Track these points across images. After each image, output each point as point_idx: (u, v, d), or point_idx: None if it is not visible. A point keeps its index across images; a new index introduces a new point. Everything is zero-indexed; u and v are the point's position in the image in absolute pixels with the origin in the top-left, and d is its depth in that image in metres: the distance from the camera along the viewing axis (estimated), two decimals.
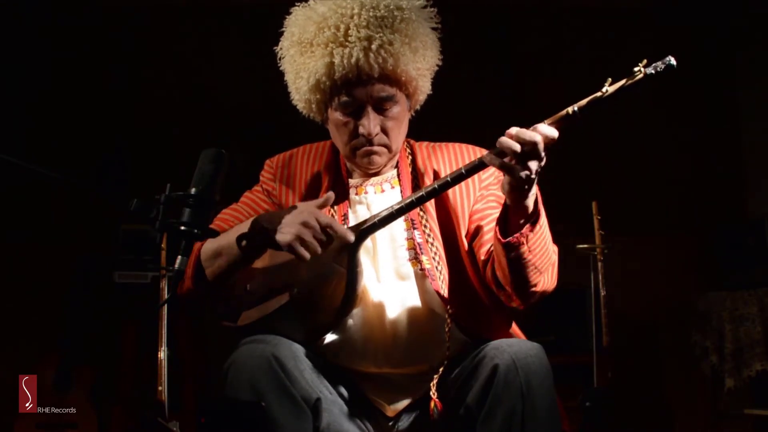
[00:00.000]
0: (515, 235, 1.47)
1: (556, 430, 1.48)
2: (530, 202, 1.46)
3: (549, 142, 1.41)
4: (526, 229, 1.47)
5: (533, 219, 1.48)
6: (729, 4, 4.23)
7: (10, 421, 3.19)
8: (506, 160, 1.40)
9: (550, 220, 1.55)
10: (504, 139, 1.40)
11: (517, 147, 1.38)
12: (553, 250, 1.56)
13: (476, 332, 1.65)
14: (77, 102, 4.13)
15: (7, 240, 3.90)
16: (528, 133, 1.39)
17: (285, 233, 1.47)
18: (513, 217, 1.49)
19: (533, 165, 1.40)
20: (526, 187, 1.43)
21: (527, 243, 1.47)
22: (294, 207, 1.54)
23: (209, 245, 1.61)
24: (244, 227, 1.56)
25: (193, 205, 1.34)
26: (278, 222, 1.49)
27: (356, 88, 1.63)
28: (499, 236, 1.48)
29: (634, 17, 4.26)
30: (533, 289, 1.54)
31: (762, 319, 3.44)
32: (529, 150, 1.38)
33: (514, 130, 1.40)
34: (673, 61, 1.37)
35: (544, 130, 1.40)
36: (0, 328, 3.81)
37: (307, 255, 1.45)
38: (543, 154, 1.40)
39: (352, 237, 1.50)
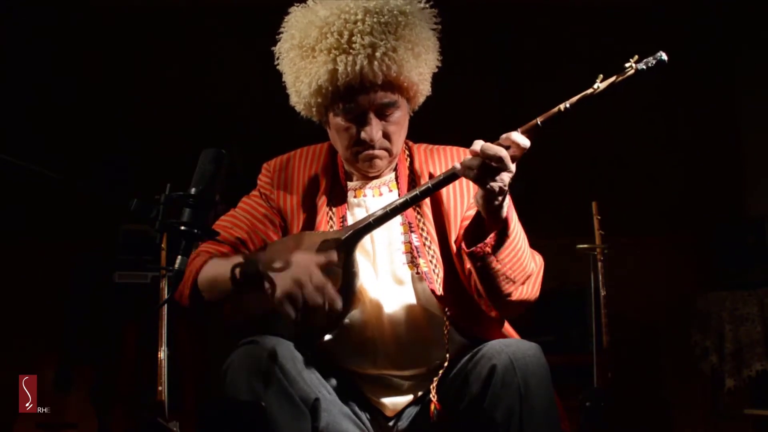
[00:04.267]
0: (478, 246, 1.48)
1: (554, 429, 1.48)
2: (502, 213, 1.47)
3: (520, 153, 1.42)
4: (490, 239, 1.48)
5: (500, 230, 1.48)
6: (729, 4, 4.23)
7: (10, 421, 3.19)
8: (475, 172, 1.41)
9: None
10: (470, 153, 1.41)
11: (478, 162, 1.39)
12: (531, 262, 1.56)
13: (473, 333, 1.65)
14: (77, 102, 4.13)
15: (7, 239, 3.90)
16: (494, 148, 1.39)
17: (277, 286, 1.44)
18: (486, 228, 1.50)
19: (504, 177, 1.41)
20: (499, 198, 1.43)
21: (494, 254, 1.48)
22: (295, 251, 1.50)
23: (207, 272, 1.60)
24: (241, 262, 1.54)
25: (193, 205, 1.34)
26: (275, 268, 1.46)
27: (359, 95, 1.62)
28: (463, 245, 1.50)
29: (634, 17, 4.26)
30: (507, 298, 1.54)
31: (762, 319, 3.44)
32: (497, 163, 1.39)
33: (478, 144, 1.41)
34: (665, 57, 1.39)
35: (517, 139, 1.41)
36: (0, 328, 3.81)
37: (292, 314, 1.42)
38: (512, 166, 1.41)
39: (339, 305, 1.46)
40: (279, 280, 1.44)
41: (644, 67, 1.40)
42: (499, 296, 1.54)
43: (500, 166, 1.39)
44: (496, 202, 1.44)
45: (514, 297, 1.54)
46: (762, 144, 4.21)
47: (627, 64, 1.41)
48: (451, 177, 1.52)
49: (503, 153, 1.39)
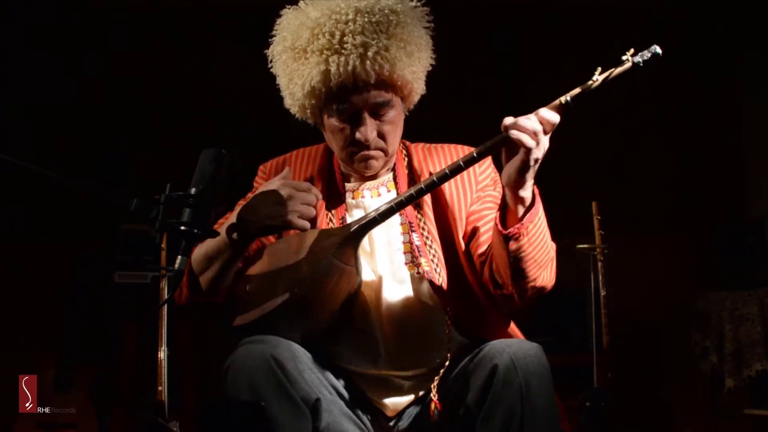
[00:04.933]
0: (516, 226, 1.47)
1: (555, 430, 1.48)
2: (528, 194, 1.47)
3: (550, 129, 1.43)
4: (526, 220, 1.47)
5: (532, 210, 1.48)
6: (729, 4, 4.23)
7: (10, 421, 3.19)
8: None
9: (550, 219, 1.55)
10: (523, 122, 1.42)
11: (539, 127, 1.41)
12: (551, 246, 1.56)
13: (475, 333, 1.65)
14: (77, 102, 4.13)
15: (7, 240, 3.90)
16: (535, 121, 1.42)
17: (277, 218, 1.49)
18: (512, 209, 1.49)
19: (541, 149, 1.42)
20: (528, 176, 1.44)
21: (527, 234, 1.47)
22: (263, 193, 1.53)
23: (198, 251, 1.60)
24: (230, 223, 1.56)
25: (193, 205, 1.34)
26: (261, 210, 1.50)
27: (352, 95, 1.62)
28: (500, 227, 1.48)
29: (635, 18, 4.26)
30: (532, 284, 1.53)
31: (762, 319, 3.44)
32: (550, 128, 1.42)
33: (522, 118, 1.43)
34: (659, 50, 1.42)
35: (546, 115, 1.43)
36: (0, 328, 3.81)
37: (308, 225, 1.48)
38: (547, 140, 1.43)
39: (319, 194, 1.55)
40: (274, 210, 1.49)
41: (640, 60, 1.43)
42: (525, 282, 1.52)
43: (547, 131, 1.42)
44: (525, 181, 1.44)
45: (538, 282, 1.54)
46: (763, 144, 4.21)
47: (623, 57, 1.44)
48: (455, 170, 1.51)
49: (539, 128, 1.41)
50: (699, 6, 4.28)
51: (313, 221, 1.67)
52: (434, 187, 1.55)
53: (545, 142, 1.42)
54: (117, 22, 4.20)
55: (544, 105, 1.46)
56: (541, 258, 1.52)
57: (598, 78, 1.44)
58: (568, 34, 4.32)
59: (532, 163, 1.42)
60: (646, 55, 1.43)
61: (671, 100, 4.31)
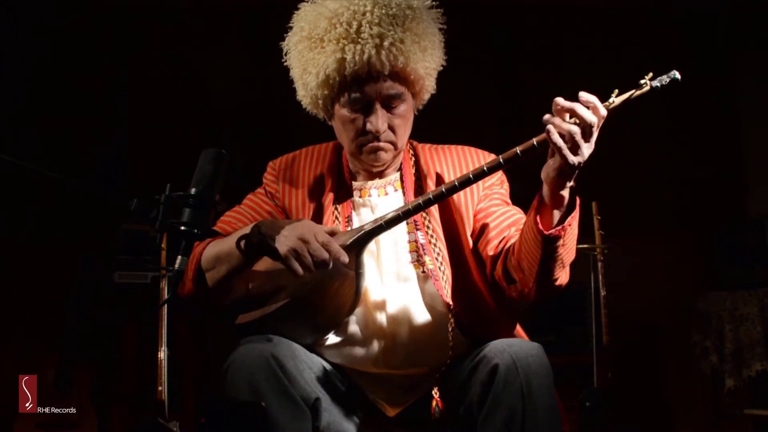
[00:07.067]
0: (557, 228, 1.43)
1: (556, 429, 1.48)
2: (567, 193, 1.43)
3: (600, 121, 1.38)
4: (566, 223, 1.43)
5: (573, 212, 1.45)
6: (729, 4, 4.23)
7: (10, 421, 3.19)
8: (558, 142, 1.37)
9: None
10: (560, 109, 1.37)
11: (591, 119, 1.35)
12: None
13: (479, 333, 1.64)
14: (77, 102, 4.13)
15: (8, 240, 3.90)
16: (586, 111, 1.36)
17: (281, 244, 1.47)
18: (547, 205, 1.44)
19: (585, 151, 1.38)
20: (573, 175, 1.40)
21: (564, 236, 1.44)
22: (299, 219, 1.53)
23: (210, 249, 1.61)
24: (245, 231, 1.56)
25: (193, 205, 1.34)
26: (278, 231, 1.49)
27: (366, 85, 1.63)
28: (542, 228, 1.43)
29: (635, 18, 4.26)
30: (553, 282, 1.51)
31: (762, 319, 3.44)
32: (589, 130, 1.36)
33: (568, 103, 1.37)
34: (678, 75, 1.40)
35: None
36: (0, 328, 3.81)
37: (299, 269, 1.46)
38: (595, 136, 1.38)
39: (345, 258, 1.48)
40: (284, 238, 1.47)
41: (658, 84, 1.40)
42: (549, 281, 1.50)
43: (590, 132, 1.36)
44: (567, 180, 1.40)
45: (558, 281, 1.52)
46: (763, 144, 4.21)
47: (642, 81, 1.41)
48: (465, 182, 1.50)
49: (594, 120, 1.35)
50: (697, 5, 4.28)
51: (319, 219, 1.68)
52: (443, 197, 1.55)
53: (585, 147, 1.37)
54: (118, 21, 4.19)
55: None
56: (568, 258, 1.50)
57: (614, 100, 1.40)
58: (567, 35, 4.31)
59: (574, 166, 1.37)
60: (665, 80, 1.40)
61: (671, 100, 4.30)
